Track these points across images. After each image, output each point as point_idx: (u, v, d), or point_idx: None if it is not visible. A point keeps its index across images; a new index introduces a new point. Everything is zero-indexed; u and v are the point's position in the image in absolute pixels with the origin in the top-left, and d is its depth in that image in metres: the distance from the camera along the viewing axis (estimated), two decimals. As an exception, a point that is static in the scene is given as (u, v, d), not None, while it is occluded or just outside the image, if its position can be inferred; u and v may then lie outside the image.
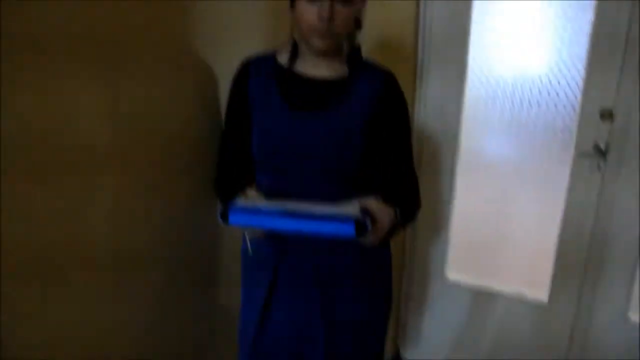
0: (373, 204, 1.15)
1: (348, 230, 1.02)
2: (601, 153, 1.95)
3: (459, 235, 2.34)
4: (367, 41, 1.36)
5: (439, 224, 2.34)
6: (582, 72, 1.95)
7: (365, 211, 1.10)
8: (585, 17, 1.91)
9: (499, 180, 2.21)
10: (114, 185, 1.12)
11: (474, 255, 2.36)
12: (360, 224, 1.03)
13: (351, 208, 1.10)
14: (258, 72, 1.30)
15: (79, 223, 1.04)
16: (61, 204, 0.99)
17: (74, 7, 0.96)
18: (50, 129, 0.94)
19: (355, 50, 1.30)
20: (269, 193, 1.22)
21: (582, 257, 2.06)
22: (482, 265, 2.34)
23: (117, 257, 1.15)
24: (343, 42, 1.25)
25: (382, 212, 1.15)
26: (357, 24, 1.26)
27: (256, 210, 1.06)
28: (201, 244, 1.46)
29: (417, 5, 2.12)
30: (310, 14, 1.16)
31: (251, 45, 1.43)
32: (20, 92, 0.87)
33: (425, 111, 2.24)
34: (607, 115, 1.92)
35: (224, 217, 1.05)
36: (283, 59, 1.30)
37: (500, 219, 2.26)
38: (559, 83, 2.00)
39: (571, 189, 2.04)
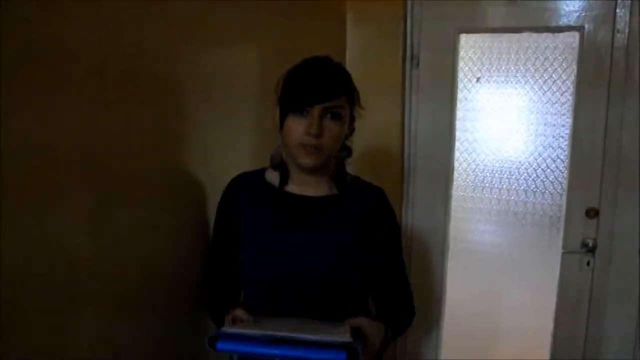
0: (364, 322, 1.13)
1: (340, 357, 1.00)
2: (589, 250, 2.01)
3: (451, 330, 2.32)
4: (353, 147, 1.41)
5: (431, 322, 2.30)
6: (565, 173, 2.04)
7: (356, 331, 1.08)
8: (564, 122, 2.02)
9: (490, 274, 2.23)
10: (101, 301, 1.08)
11: (468, 350, 2.33)
12: (353, 351, 1.01)
13: (342, 330, 1.07)
14: (247, 190, 1.29)
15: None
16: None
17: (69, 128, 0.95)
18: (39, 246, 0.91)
19: (341, 169, 1.31)
20: (257, 309, 1.17)
21: (578, 351, 2.09)
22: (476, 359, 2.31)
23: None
24: (330, 161, 1.25)
25: (374, 330, 1.13)
26: (348, 151, 1.30)
27: (245, 337, 1.04)
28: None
29: (402, 111, 2.17)
30: (298, 129, 1.16)
31: (239, 163, 1.44)
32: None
33: (412, 211, 2.25)
34: (592, 213, 1.99)
35: (212, 343, 1.03)
36: (271, 177, 1.29)
37: (493, 312, 2.26)
38: (543, 184, 2.08)
39: (562, 285, 2.08)
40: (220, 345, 1.03)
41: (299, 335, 1.03)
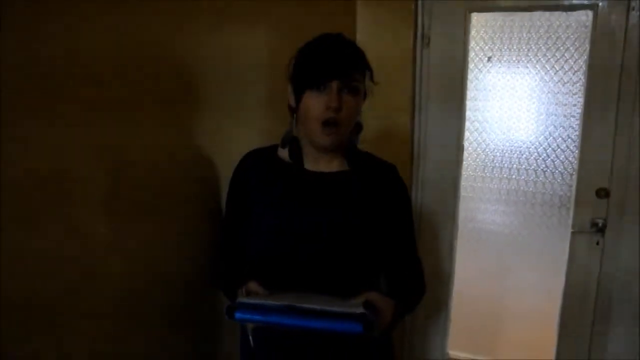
0: (376, 296, 1.15)
1: (356, 328, 1.03)
2: (599, 230, 2.02)
3: (459, 310, 2.34)
4: (365, 128, 1.42)
5: (440, 302, 2.33)
6: (576, 152, 2.04)
7: (368, 305, 1.10)
8: (575, 101, 2.01)
9: (499, 254, 2.25)
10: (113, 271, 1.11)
11: (476, 330, 2.36)
12: (368, 322, 1.04)
13: (355, 303, 1.09)
14: (259, 166, 1.30)
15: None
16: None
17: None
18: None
19: (353, 145, 1.31)
20: (269, 284, 1.19)
21: (586, 332, 2.10)
22: (484, 341, 2.33)
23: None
24: (344, 139, 1.25)
25: (385, 305, 1.15)
26: (358, 126, 1.28)
27: (263, 307, 1.07)
28: (198, 333, 1.43)
29: (413, 90, 2.17)
30: (318, 104, 1.16)
31: (251, 143, 1.44)
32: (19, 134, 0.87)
33: (423, 190, 2.26)
34: (602, 193, 1.99)
35: (231, 313, 1.06)
36: (283, 153, 1.29)
37: (501, 293, 2.28)
38: (553, 163, 2.08)
39: (571, 264, 2.09)
40: (238, 315, 1.06)
41: (316, 306, 1.05)
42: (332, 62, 1.15)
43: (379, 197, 1.27)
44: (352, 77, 1.17)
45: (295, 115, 1.24)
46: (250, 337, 1.24)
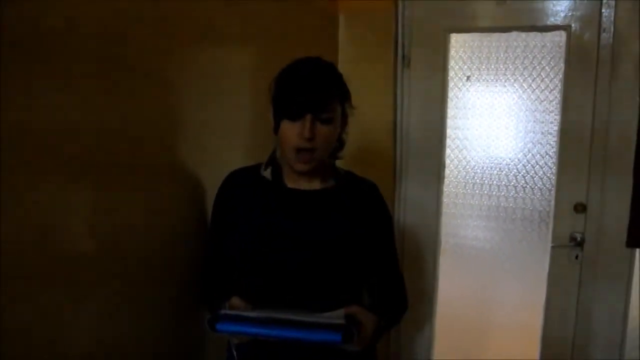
0: (358, 310, 1.17)
1: (335, 337, 1.05)
2: (578, 244, 2.06)
3: (443, 324, 2.36)
4: (347, 146, 1.45)
5: (424, 316, 2.35)
6: (554, 169, 2.09)
7: (350, 318, 1.12)
8: (552, 119, 2.07)
9: (481, 268, 2.28)
10: (102, 291, 1.11)
11: (460, 344, 2.38)
12: (348, 332, 1.06)
13: (336, 315, 1.12)
14: (243, 185, 1.33)
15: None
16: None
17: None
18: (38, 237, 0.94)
19: (333, 164, 1.35)
20: (253, 299, 1.21)
21: (567, 343, 2.14)
22: (468, 354, 2.35)
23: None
24: (323, 161, 1.29)
25: (366, 318, 1.17)
26: (340, 143, 1.32)
27: (243, 318, 1.09)
28: (185, 351, 1.43)
29: (394, 110, 2.21)
30: (292, 133, 1.20)
31: (235, 158, 1.47)
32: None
33: (405, 208, 2.29)
34: (580, 208, 2.04)
35: (212, 324, 1.07)
36: (266, 172, 1.33)
37: (484, 306, 2.31)
38: (532, 179, 2.13)
39: (551, 278, 2.13)
40: (219, 326, 1.07)
41: (296, 317, 1.08)
42: (306, 96, 1.18)
43: (360, 214, 1.30)
44: (327, 108, 1.20)
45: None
46: (234, 352, 1.25)
